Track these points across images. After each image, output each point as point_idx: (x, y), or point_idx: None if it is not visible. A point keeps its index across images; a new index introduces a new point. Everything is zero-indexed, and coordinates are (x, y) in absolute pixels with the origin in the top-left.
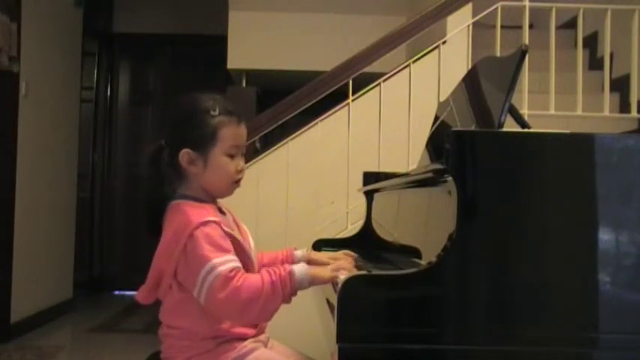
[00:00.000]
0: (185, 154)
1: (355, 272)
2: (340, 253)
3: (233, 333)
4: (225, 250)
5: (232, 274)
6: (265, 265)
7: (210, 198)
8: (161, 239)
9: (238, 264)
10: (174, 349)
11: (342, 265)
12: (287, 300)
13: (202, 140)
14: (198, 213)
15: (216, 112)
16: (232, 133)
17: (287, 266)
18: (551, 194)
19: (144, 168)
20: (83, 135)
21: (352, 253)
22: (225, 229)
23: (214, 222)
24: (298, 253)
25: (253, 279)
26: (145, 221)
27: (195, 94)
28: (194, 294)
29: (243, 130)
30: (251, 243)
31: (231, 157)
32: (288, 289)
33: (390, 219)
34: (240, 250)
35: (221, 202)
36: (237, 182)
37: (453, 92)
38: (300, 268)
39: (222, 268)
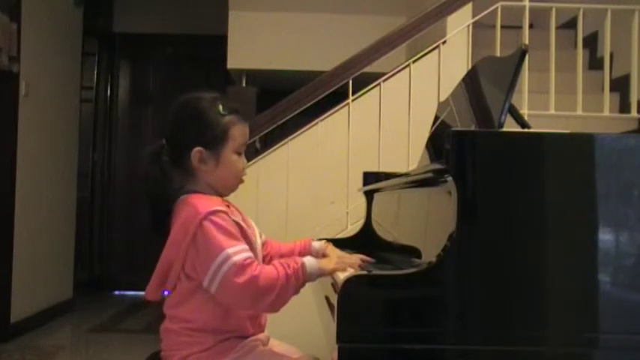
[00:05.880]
0: (197, 153)
1: (355, 272)
2: (355, 256)
3: (234, 327)
4: (237, 239)
5: (248, 262)
6: (284, 256)
7: (216, 194)
8: (171, 232)
9: (251, 254)
10: (173, 346)
11: (348, 262)
12: (297, 292)
13: (214, 140)
14: (205, 204)
15: (226, 112)
16: (241, 131)
17: (298, 259)
18: (551, 194)
19: (144, 167)
20: (83, 135)
21: (368, 258)
22: (233, 217)
23: (222, 211)
24: (316, 244)
25: (269, 270)
26: (150, 220)
27: (195, 93)
28: (204, 283)
29: (247, 127)
30: (258, 239)
31: (239, 154)
32: (300, 281)
33: (390, 219)
34: (247, 241)
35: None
36: (242, 179)
37: (453, 92)
38: (310, 262)
39: (237, 258)
